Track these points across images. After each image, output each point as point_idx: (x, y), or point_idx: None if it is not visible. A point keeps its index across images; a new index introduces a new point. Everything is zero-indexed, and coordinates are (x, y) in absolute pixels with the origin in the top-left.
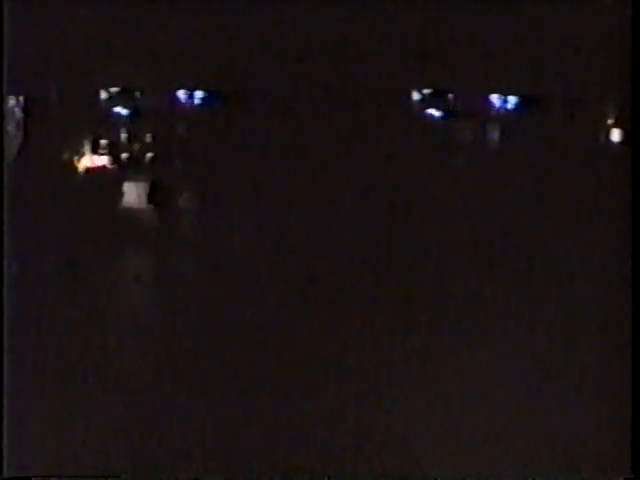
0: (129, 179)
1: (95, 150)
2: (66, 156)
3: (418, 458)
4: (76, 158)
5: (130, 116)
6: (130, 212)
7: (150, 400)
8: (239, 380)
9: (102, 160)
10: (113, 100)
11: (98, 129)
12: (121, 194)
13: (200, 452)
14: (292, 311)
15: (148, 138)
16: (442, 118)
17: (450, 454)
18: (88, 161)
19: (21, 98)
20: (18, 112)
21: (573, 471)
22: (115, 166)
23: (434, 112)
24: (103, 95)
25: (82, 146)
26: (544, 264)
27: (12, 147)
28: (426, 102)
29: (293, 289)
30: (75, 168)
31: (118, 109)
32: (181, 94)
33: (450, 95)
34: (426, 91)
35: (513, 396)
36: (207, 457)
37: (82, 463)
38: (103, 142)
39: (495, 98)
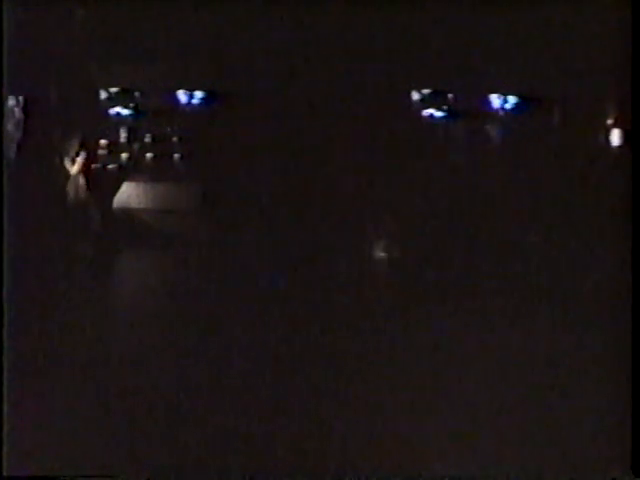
0: (129, 179)
1: (95, 150)
2: (66, 156)
3: (418, 458)
4: (76, 158)
5: (130, 116)
6: (129, 212)
7: (150, 400)
8: (240, 380)
9: (101, 160)
10: (113, 100)
11: (98, 129)
12: (121, 194)
13: (200, 452)
14: (291, 309)
15: (148, 138)
16: (442, 118)
17: (449, 454)
18: (71, 169)
19: (21, 98)
20: (18, 112)
21: (573, 471)
22: (115, 166)
23: (434, 112)
24: (103, 95)
25: (82, 146)
26: (544, 263)
27: (12, 147)
28: (426, 102)
29: (293, 287)
30: (75, 168)
31: (118, 109)
32: (181, 94)
33: (450, 95)
34: (426, 91)
35: (513, 396)
36: (207, 457)
37: (82, 463)
38: (103, 142)
39: (495, 98)
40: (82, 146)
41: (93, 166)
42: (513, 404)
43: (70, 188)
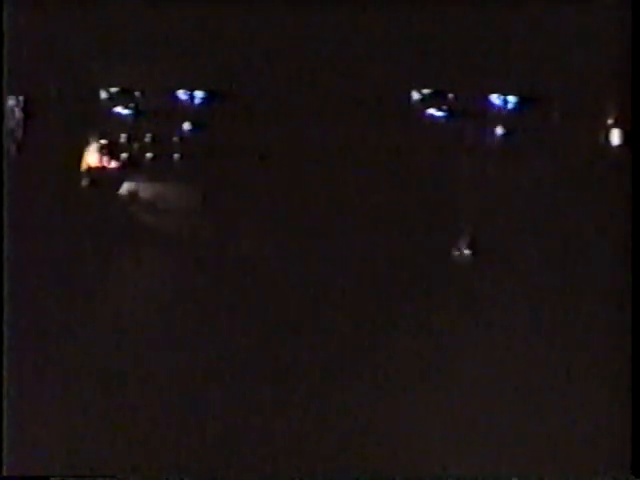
0: (129, 179)
1: (98, 150)
2: (66, 156)
3: (418, 458)
4: (80, 156)
5: (130, 116)
6: (130, 212)
7: (150, 400)
8: (239, 380)
9: (103, 160)
10: (113, 100)
11: (98, 129)
12: (121, 194)
13: (200, 452)
14: (293, 309)
15: (148, 138)
16: (442, 118)
17: (449, 454)
18: (88, 161)
19: (21, 98)
20: (18, 112)
21: (573, 471)
22: (115, 166)
23: (434, 112)
24: (103, 95)
25: (82, 146)
26: (544, 264)
27: (12, 147)
28: (426, 102)
29: (294, 287)
30: (75, 168)
31: (118, 109)
32: (181, 94)
33: (450, 95)
34: (426, 91)
35: (513, 396)
36: (207, 457)
37: (82, 463)
38: (103, 142)
39: (495, 98)
40: (101, 142)
41: (98, 164)
42: (512, 404)
43: (71, 188)
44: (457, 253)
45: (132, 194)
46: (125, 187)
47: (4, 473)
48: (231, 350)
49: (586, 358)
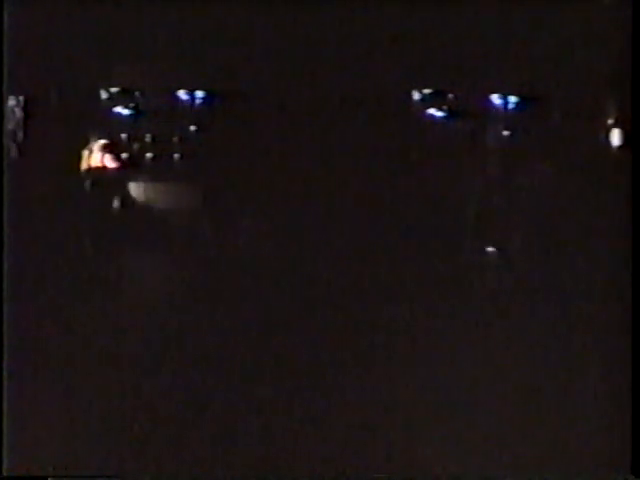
0: (129, 179)
1: (98, 150)
2: (66, 156)
3: (417, 458)
4: (83, 154)
5: (130, 116)
6: (130, 212)
7: (151, 400)
8: (240, 380)
9: (103, 160)
10: (113, 100)
11: (98, 129)
12: (121, 194)
13: (199, 452)
14: (293, 309)
15: (148, 138)
16: (442, 118)
17: (449, 454)
18: (89, 161)
19: (21, 98)
20: (18, 112)
21: (573, 471)
22: (115, 166)
23: (434, 112)
24: (103, 95)
25: (82, 146)
26: (544, 264)
27: (12, 147)
28: (426, 102)
29: (294, 287)
30: (75, 168)
31: (118, 109)
32: (181, 94)
33: (450, 95)
34: (426, 91)
35: (513, 396)
36: (207, 457)
37: (82, 463)
38: (103, 142)
39: (495, 98)
40: (102, 142)
41: (98, 164)
42: (512, 404)
43: (71, 188)
44: (490, 249)
45: (132, 194)
46: (125, 187)
47: (4, 473)
48: (231, 349)
49: (586, 358)
